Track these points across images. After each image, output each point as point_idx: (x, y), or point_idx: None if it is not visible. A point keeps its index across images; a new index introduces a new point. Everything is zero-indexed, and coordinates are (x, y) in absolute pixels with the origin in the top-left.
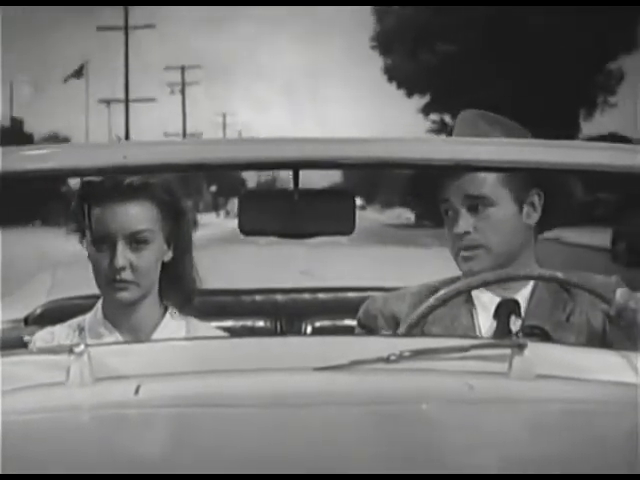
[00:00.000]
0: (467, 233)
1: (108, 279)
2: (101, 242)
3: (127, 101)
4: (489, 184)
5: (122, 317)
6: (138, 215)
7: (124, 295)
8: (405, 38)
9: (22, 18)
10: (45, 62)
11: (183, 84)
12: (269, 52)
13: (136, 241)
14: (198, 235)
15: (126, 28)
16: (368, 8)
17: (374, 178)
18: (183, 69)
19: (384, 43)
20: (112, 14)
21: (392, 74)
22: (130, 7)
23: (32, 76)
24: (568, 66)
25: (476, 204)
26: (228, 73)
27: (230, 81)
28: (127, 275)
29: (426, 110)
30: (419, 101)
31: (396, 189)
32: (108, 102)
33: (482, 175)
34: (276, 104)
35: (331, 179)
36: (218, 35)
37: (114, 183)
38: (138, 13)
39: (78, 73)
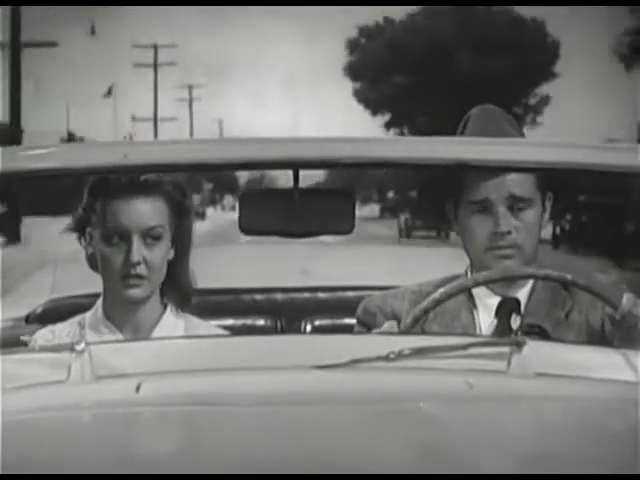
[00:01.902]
0: (509, 233)
1: (121, 274)
2: (115, 237)
3: (155, 120)
4: (529, 186)
5: (124, 315)
6: (152, 211)
7: (136, 292)
8: (368, 70)
9: (75, 56)
10: (86, 89)
11: (190, 100)
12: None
13: (150, 237)
14: (205, 224)
15: (155, 65)
16: (342, 41)
17: (355, 178)
18: (190, 88)
19: (353, 72)
20: (143, 52)
21: (360, 97)
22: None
23: (79, 99)
24: (501, 91)
25: (518, 205)
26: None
27: (230, 87)
28: (141, 270)
29: (387, 126)
30: (382, 119)
31: (373, 188)
32: (134, 118)
33: (523, 177)
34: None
35: (313, 179)
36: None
37: (130, 179)
38: (166, 52)
39: (108, 92)
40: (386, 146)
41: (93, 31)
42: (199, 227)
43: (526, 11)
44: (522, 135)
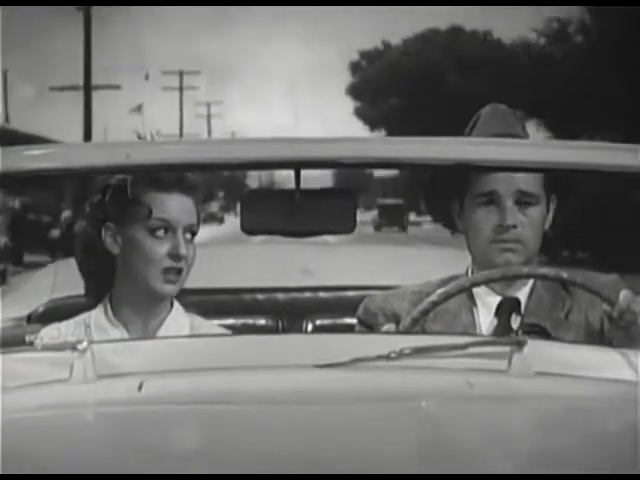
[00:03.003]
0: (514, 227)
1: (163, 267)
2: (159, 230)
3: (181, 135)
4: (537, 183)
5: (134, 313)
6: (192, 208)
7: (170, 288)
8: (368, 91)
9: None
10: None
11: (209, 115)
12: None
13: (190, 232)
14: (222, 228)
15: (181, 89)
16: (345, 64)
17: (360, 184)
18: (209, 105)
19: (354, 92)
20: (167, 77)
21: (360, 114)
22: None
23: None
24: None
25: (525, 200)
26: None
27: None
28: (182, 264)
29: None
30: (379, 134)
31: (374, 194)
32: (158, 133)
33: (532, 173)
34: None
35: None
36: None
37: (178, 177)
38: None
39: (138, 109)
40: (387, 146)
41: (147, 77)
42: (218, 230)
43: (508, 35)
44: (527, 135)
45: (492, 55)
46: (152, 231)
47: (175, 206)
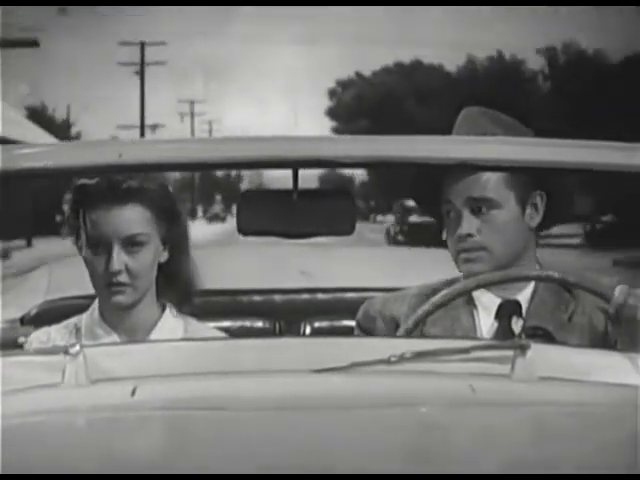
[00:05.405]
0: (470, 235)
1: (104, 282)
2: (96, 245)
3: None
4: (493, 186)
5: (119, 318)
6: (133, 218)
7: (120, 299)
8: (343, 113)
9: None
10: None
11: (210, 130)
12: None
13: (131, 244)
14: (226, 225)
15: (192, 114)
16: (324, 91)
17: (345, 185)
18: (210, 123)
19: (331, 114)
20: (179, 104)
21: (335, 132)
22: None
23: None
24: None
25: (479, 206)
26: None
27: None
28: (123, 278)
29: None
30: None
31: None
32: None
33: (485, 177)
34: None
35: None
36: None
37: (109, 186)
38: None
39: (154, 128)
40: (387, 145)
41: (182, 118)
42: (222, 227)
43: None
44: (525, 134)
45: (441, 85)
46: (91, 247)
47: (107, 220)
